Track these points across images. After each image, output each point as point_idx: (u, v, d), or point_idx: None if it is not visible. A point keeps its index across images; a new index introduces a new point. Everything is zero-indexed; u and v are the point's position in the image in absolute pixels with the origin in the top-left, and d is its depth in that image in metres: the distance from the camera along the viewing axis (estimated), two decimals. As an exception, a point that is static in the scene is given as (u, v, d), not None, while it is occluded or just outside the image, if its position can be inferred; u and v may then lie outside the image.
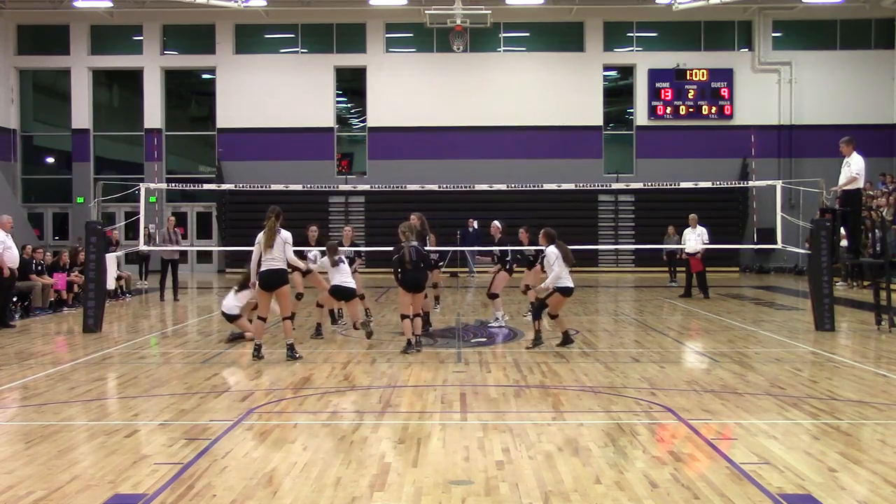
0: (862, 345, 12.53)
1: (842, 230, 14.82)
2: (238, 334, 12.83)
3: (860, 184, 14.28)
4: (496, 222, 14.84)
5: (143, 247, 18.11)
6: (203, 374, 10.14)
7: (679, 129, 31.27)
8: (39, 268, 17.60)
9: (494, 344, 12.66)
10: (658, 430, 7.38)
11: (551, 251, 11.63)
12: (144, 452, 6.65)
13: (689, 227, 20.36)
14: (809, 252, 14.62)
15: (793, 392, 8.89)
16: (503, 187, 19.61)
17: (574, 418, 7.81)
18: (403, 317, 11.70)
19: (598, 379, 9.75)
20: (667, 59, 31.31)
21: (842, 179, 14.16)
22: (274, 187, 19.04)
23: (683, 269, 21.04)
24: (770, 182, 18.16)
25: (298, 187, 19.29)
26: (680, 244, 20.96)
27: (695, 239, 19.88)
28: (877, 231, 16.36)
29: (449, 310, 17.15)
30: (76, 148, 32.04)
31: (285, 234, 10.98)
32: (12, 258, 15.07)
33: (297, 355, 10.97)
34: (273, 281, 10.87)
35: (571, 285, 11.68)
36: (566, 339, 11.73)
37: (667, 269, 24.71)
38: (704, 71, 31.25)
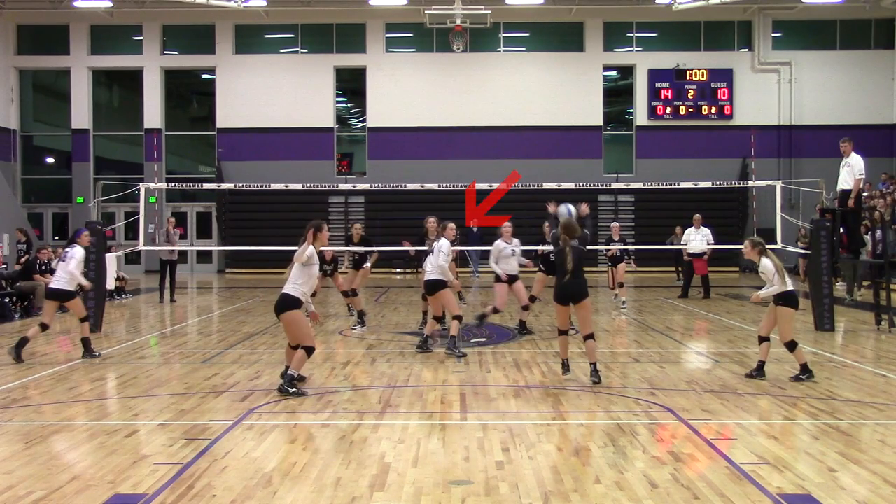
0: (862, 345, 12.53)
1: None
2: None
3: (860, 183, 14.30)
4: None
5: (142, 247, 18.12)
6: (203, 374, 10.14)
7: (679, 129, 31.25)
8: (43, 268, 17.60)
9: (494, 344, 12.66)
10: (658, 430, 7.38)
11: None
12: (144, 452, 6.65)
13: (692, 227, 20.14)
14: (808, 252, 14.61)
15: (793, 392, 8.89)
16: (503, 187, 19.61)
17: (574, 418, 7.81)
18: None
19: (598, 379, 9.75)
20: (667, 59, 31.29)
21: (846, 180, 14.16)
22: (274, 187, 19.05)
23: (683, 268, 20.97)
24: (770, 182, 18.16)
25: (298, 187, 19.27)
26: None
27: (700, 240, 19.70)
28: (877, 231, 16.37)
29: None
30: (76, 148, 32.02)
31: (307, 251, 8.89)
32: None
33: (293, 391, 8.80)
34: (276, 306, 9.04)
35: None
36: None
37: (674, 269, 24.67)
38: (704, 71, 31.24)
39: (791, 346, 9.43)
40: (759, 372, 9.64)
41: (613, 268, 18.56)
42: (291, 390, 8.71)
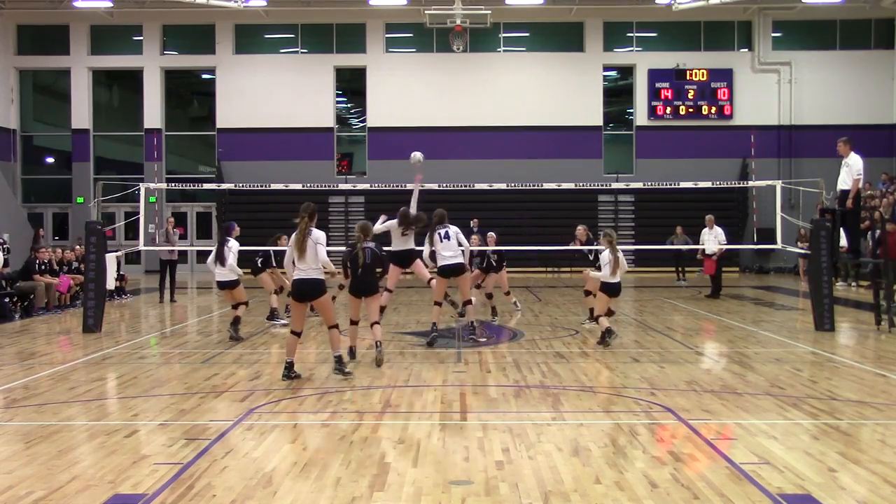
0: (862, 345, 12.53)
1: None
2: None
3: (859, 183, 14.30)
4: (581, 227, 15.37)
5: (142, 247, 18.13)
6: (203, 374, 10.14)
7: (679, 129, 31.25)
8: (43, 267, 17.58)
9: (495, 344, 12.65)
10: (658, 430, 7.38)
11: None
12: (144, 452, 6.65)
13: (705, 227, 20.25)
14: (807, 252, 14.60)
15: (793, 392, 8.89)
16: (503, 187, 19.61)
17: (574, 418, 7.81)
18: None
19: (598, 379, 9.75)
20: (667, 59, 31.29)
21: (845, 180, 14.16)
22: (274, 187, 19.05)
23: (698, 269, 20.92)
24: (770, 182, 18.16)
25: (298, 187, 19.28)
26: (688, 244, 20.85)
27: (712, 240, 19.76)
28: (877, 231, 16.37)
29: (448, 310, 17.12)
30: (76, 148, 32.02)
31: (317, 234, 9.68)
32: None
33: (347, 371, 9.73)
34: (307, 291, 9.68)
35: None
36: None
37: (673, 269, 24.67)
38: (704, 71, 31.24)
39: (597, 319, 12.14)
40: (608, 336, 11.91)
41: (485, 274, 16.09)
42: (346, 371, 9.68)
